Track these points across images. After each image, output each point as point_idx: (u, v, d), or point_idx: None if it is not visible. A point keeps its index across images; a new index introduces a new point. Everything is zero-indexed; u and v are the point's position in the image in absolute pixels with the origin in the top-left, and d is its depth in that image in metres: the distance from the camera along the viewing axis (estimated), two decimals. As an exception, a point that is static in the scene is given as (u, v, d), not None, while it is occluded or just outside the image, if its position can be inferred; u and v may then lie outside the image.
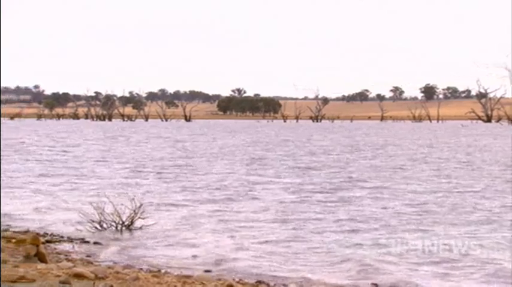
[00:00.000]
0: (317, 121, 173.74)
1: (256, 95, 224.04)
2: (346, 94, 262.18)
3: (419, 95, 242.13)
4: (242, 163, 38.39)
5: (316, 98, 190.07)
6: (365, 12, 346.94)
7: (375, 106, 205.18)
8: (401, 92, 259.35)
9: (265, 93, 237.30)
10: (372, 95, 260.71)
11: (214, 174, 31.78)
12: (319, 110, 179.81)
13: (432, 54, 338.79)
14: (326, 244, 15.44)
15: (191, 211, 20.27)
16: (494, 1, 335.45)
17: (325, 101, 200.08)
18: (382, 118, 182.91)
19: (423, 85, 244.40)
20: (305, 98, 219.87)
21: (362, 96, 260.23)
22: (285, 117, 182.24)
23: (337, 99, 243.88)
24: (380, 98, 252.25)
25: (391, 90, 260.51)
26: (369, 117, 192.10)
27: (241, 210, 20.49)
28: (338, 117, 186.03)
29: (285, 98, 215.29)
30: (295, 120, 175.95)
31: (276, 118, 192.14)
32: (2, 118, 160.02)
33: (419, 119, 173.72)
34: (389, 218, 18.87)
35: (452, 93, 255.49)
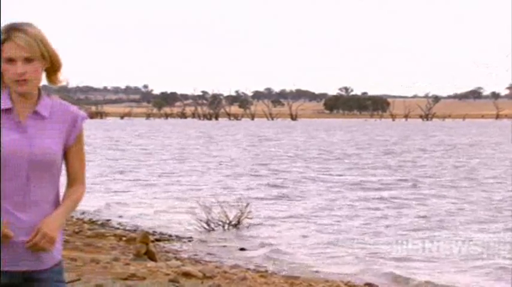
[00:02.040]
0: (427, 120, 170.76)
1: (363, 93, 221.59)
2: (459, 92, 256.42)
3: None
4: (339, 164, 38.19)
5: (427, 96, 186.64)
6: (365, 12, 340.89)
7: (488, 104, 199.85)
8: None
9: (373, 91, 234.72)
10: (486, 93, 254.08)
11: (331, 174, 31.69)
12: (430, 108, 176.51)
13: (432, 54, 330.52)
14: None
15: (299, 211, 20.26)
16: (494, 1, 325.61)
17: (436, 99, 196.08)
18: (497, 117, 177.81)
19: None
20: (414, 97, 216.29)
21: (475, 94, 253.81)
22: (393, 116, 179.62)
23: (449, 97, 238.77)
24: (495, 96, 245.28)
25: (508, 88, 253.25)
26: (482, 116, 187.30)
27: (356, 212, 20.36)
28: (449, 116, 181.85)
29: (394, 97, 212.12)
30: (404, 119, 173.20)
31: (383, 117, 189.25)
32: (112, 118, 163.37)
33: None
34: None
35: None
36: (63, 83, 3.75)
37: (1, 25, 3.65)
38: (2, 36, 3.60)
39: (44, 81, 3.71)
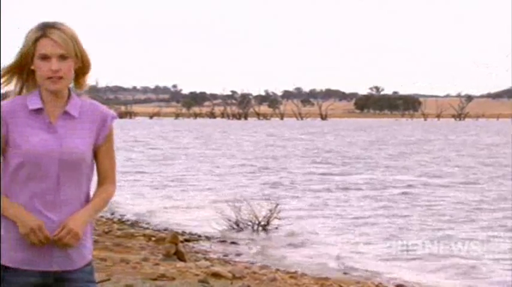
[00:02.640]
0: (460, 120, 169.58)
1: (394, 92, 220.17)
2: (492, 91, 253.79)
3: None
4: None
5: (459, 95, 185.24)
6: (365, 12, 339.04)
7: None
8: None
9: (404, 91, 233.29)
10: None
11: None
12: (462, 108, 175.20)
13: (432, 54, 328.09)
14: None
15: (328, 212, 20.20)
16: (494, 1, 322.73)
17: (469, 98, 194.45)
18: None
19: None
20: (447, 96, 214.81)
21: (509, 94, 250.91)
22: (425, 116, 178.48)
23: (482, 96, 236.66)
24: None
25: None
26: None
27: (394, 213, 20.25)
28: (483, 116, 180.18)
29: (425, 96, 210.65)
30: (436, 119, 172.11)
31: (415, 117, 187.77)
32: (141, 117, 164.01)
33: None
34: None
35: None
36: (93, 83, 3.75)
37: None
38: (35, 34, 3.60)
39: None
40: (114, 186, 3.76)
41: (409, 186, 26.50)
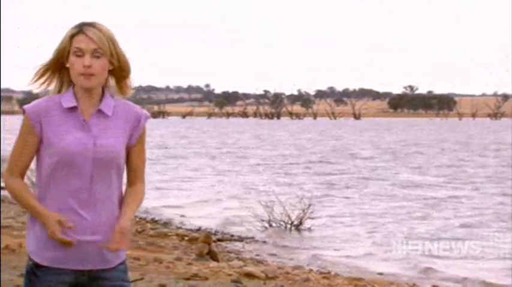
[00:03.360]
0: (496, 119, 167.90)
1: (429, 92, 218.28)
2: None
3: None
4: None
5: (495, 94, 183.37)
6: (365, 12, 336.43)
7: None
8: None
9: (439, 90, 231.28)
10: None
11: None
12: (499, 107, 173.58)
13: (432, 54, 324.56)
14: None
15: (361, 212, 20.10)
16: (494, 1, 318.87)
17: (505, 97, 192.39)
18: None
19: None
20: (483, 95, 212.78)
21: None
22: (460, 115, 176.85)
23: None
24: None
25: None
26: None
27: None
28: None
29: (460, 95, 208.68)
30: (471, 119, 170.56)
31: (450, 116, 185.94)
32: (174, 117, 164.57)
33: None
34: None
35: None
36: (132, 91, 3.74)
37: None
38: (72, 31, 3.62)
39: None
40: (144, 185, 3.76)
41: (454, 188, 26.30)
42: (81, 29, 3.61)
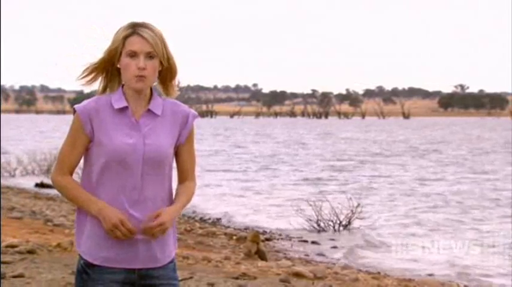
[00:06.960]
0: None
1: (480, 90, 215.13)
2: None
3: None
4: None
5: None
6: (416, 11, 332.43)
7: None
8: None
9: (490, 89, 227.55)
10: None
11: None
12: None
13: (484, 52, 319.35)
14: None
15: (408, 213, 19.97)
16: (494, 1, 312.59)
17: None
18: None
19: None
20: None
21: None
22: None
23: None
24: None
25: None
26: None
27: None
28: None
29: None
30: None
31: (502, 115, 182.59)
32: (222, 117, 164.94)
33: None
34: None
35: None
36: (178, 93, 3.75)
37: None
38: (125, 32, 3.62)
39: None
40: (195, 183, 3.78)
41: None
42: (134, 29, 3.61)
